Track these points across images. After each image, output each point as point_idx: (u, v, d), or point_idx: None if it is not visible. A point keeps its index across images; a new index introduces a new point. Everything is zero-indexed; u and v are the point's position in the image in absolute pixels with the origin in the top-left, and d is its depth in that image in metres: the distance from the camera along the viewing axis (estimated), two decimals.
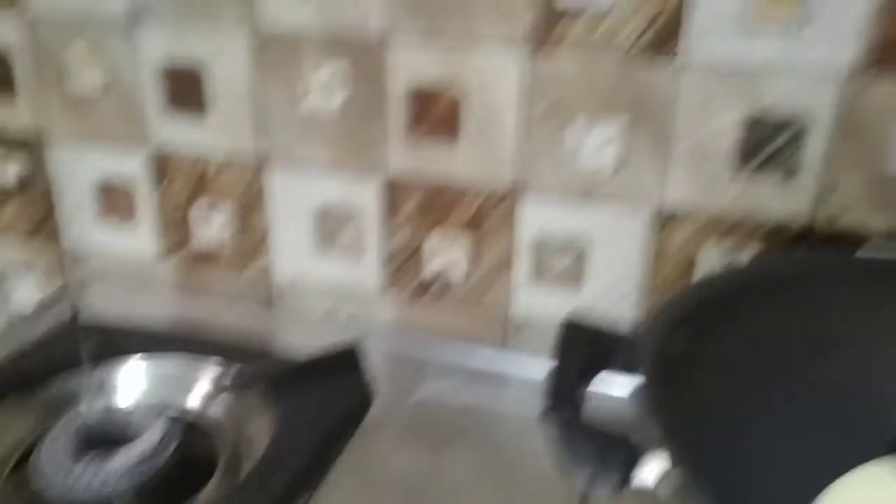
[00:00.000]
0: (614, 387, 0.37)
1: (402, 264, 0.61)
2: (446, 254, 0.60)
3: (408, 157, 0.58)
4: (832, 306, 0.44)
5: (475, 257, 0.60)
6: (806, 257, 0.49)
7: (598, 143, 0.54)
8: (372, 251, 0.62)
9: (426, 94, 0.55)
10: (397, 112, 0.57)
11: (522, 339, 0.60)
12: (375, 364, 0.57)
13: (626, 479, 0.33)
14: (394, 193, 0.59)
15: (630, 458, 0.33)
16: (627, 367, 0.36)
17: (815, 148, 0.50)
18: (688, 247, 0.55)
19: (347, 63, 0.56)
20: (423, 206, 0.59)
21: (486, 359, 0.60)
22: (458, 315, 0.61)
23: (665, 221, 0.55)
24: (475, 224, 0.59)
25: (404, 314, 0.63)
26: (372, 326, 0.63)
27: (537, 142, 0.55)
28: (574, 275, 0.58)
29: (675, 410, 0.34)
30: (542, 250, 0.58)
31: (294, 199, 0.62)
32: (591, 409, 0.36)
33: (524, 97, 0.54)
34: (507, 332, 0.61)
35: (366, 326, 0.63)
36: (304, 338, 0.59)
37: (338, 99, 0.57)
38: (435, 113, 0.56)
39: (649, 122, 0.52)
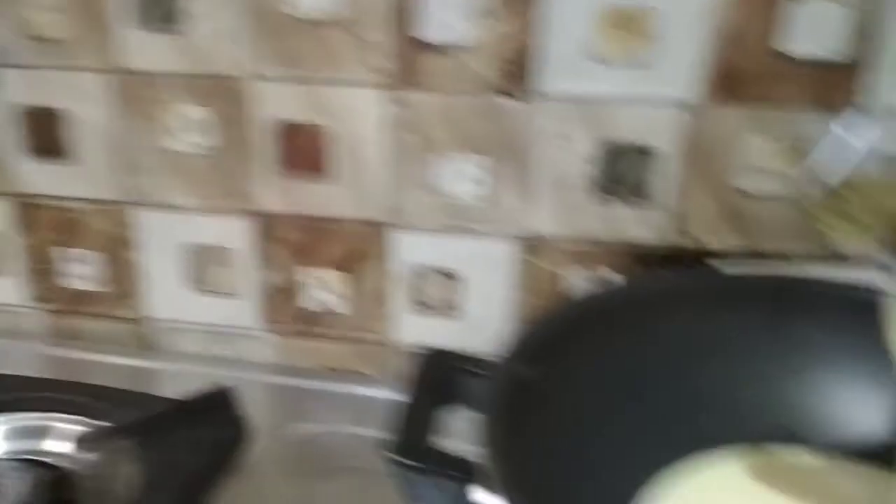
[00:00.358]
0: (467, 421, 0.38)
1: (280, 301, 0.61)
2: (324, 289, 0.60)
3: (278, 194, 0.58)
4: (687, 322, 0.47)
5: (353, 290, 0.60)
6: (659, 277, 0.52)
7: (463, 177, 0.55)
8: (248, 289, 0.61)
9: (292, 132, 0.56)
10: (264, 150, 0.57)
11: (403, 370, 0.61)
12: (255, 402, 0.56)
13: None
14: (267, 230, 0.59)
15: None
16: (478, 400, 0.37)
17: (667, 173, 0.53)
18: (556, 274, 0.56)
19: (211, 103, 0.56)
20: (297, 242, 0.59)
21: (368, 390, 0.60)
22: (339, 348, 0.61)
23: (532, 250, 0.56)
24: (351, 258, 0.59)
25: (284, 350, 0.62)
26: (251, 365, 0.62)
27: (404, 175, 0.55)
28: (450, 304, 0.59)
29: (516, 445, 0.34)
30: (418, 281, 0.59)
31: (165, 241, 0.61)
32: (438, 443, 0.37)
33: (388, 132, 0.55)
34: (387, 363, 0.61)
35: (245, 365, 0.62)
36: (180, 381, 0.58)
37: (203, 140, 0.57)
38: (302, 150, 0.56)
39: (511, 154, 0.54)
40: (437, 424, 0.37)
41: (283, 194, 0.58)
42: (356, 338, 0.61)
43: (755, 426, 0.45)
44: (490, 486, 0.32)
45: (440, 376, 0.38)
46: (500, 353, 0.40)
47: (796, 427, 0.45)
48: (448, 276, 0.58)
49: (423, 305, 0.59)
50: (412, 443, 0.34)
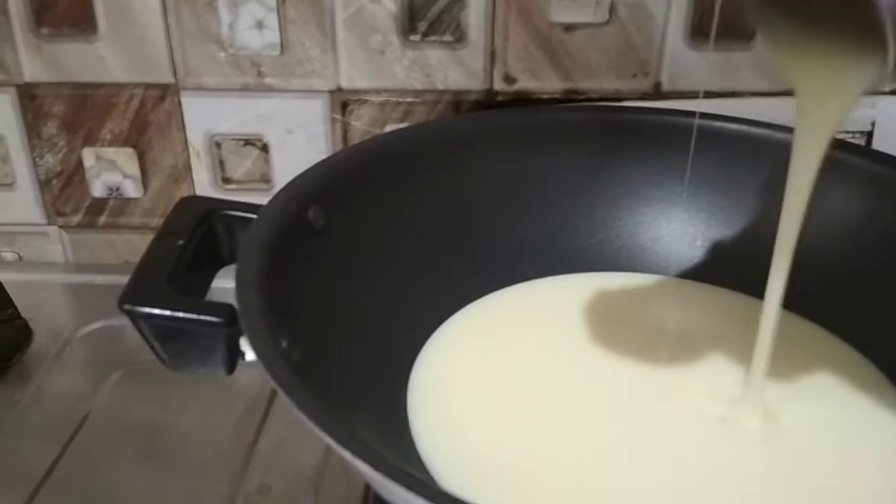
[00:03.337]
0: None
1: (64, 188, 0.53)
2: (113, 168, 0.53)
3: (40, 60, 0.49)
4: (500, 162, 0.42)
5: (147, 168, 0.53)
6: (469, 118, 0.47)
7: (252, 23, 0.48)
8: (24, 179, 0.53)
9: None
10: (18, 7, 0.48)
11: None
12: (44, 304, 0.50)
13: (234, 359, 0.29)
14: (35, 106, 0.51)
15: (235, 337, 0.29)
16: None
17: (479, 8, 0.48)
18: (375, 126, 0.51)
19: None
20: (71, 118, 0.51)
21: None
22: (136, 238, 0.54)
23: (345, 103, 0.50)
24: (138, 131, 0.52)
25: (77, 243, 0.55)
26: (39, 265, 0.55)
27: (186, 27, 0.48)
28: (261, 176, 0.53)
29: (282, 291, 0.29)
30: (220, 152, 0.52)
31: None
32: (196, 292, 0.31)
33: None
34: None
35: (33, 265, 0.55)
36: None
37: None
38: (63, 4, 0.48)
39: None
40: (197, 274, 0.32)
41: (46, 60, 0.49)
42: (154, 225, 0.54)
43: (578, 262, 0.42)
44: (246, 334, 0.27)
45: (195, 221, 0.32)
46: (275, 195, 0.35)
47: (617, 258, 0.42)
48: (253, 143, 0.52)
49: (229, 181, 0.53)
50: (150, 290, 0.28)
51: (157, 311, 0.28)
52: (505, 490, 0.31)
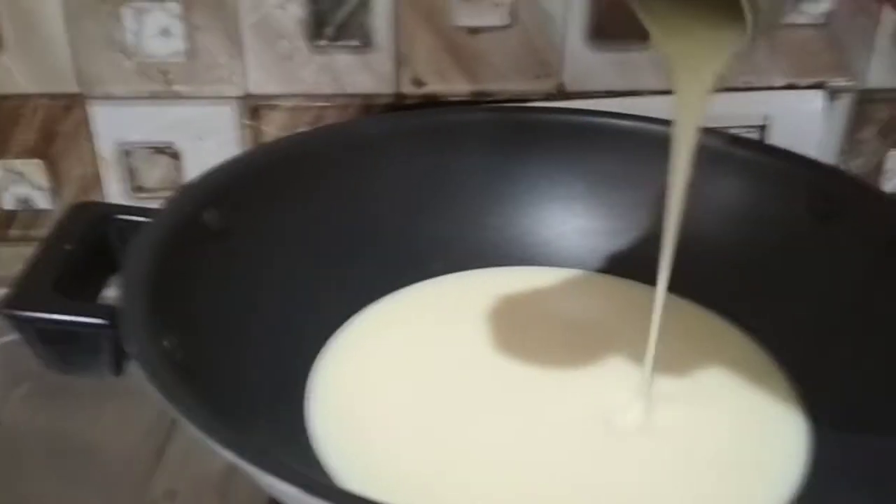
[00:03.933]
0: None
1: None
2: (20, 181, 0.52)
3: None
4: (404, 163, 0.43)
5: (56, 181, 0.52)
6: (376, 119, 0.48)
7: (157, 30, 0.48)
8: None
9: None
10: None
11: None
12: None
13: (120, 361, 0.29)
14: None
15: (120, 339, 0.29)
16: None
17: (384, 13, 0.48)
18: (286, 132, 0.51)
19: None
20: None
21: None
22: None
23: (255, 109, 0.51)
24: (45, 142, 0.51)
25: None
26: None
27: (88, 35, 0.48)
28: (173, 181, 0.52)
29: (169, 295, 0.30)
30: (131, 160, 0.52)
31: None
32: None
33: None
34: None
35: None
36: None
37: None
38: None
39: (208, 1, 0.47)
40: (88, 281, 0.32)
41: None
42: None
43: (484, 258, 0.43)
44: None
45: (86, 226, 0.32)
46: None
47: (523, 254, 0.43)
48: (164, 151, 0.52)
49: (141, 190, 0.53)
50: (33, 294, 0.28)
51: (38, 315, 0.28)
52: (401, 487, 0.31)
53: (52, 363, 0.29)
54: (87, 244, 0.32)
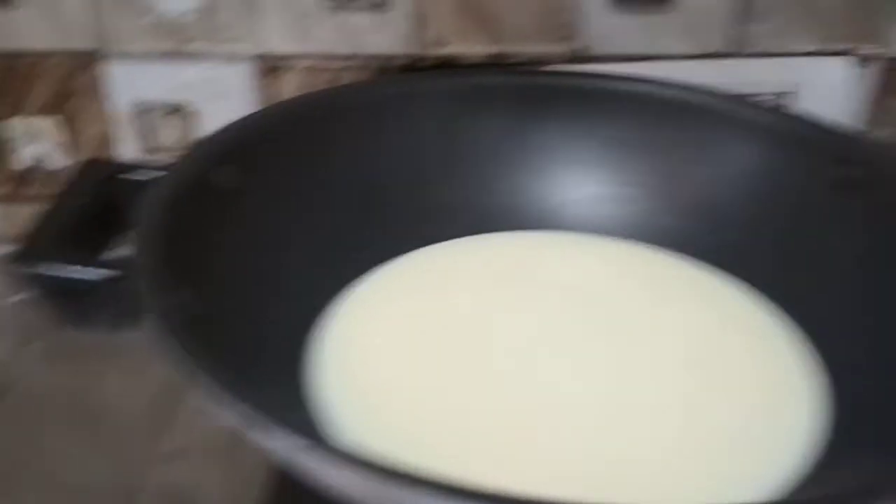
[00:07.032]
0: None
1: None
2: (36, 139, 0.52)
3: None
4: (421, 125, 0.42)
5: (71, 138, 0.52)
6: (392, 80, 0.47)
7: None
8: None
9: None
10: None
11: None
12: None
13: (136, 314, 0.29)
14: None
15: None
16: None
17: None
18: (301, 92, 0.50)
19: None
20: None
21: None
22: None
23: (269, 70, 0.50)
24: (61, 100, 0.51)
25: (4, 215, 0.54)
26: None
27: None
28: (189, 143, 0.52)
29: (184, 251, 0.29)
30: (146, 119, 0.52)
31: None
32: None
33: None
34: None
35: None
36: None
37: None
38: None
39: None
40: (100, 237, 0.32)
41: None
42: None
43: (496, 222, 0.42)
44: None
45: (97, 183, 0.32)
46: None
47: (537, 219, 0.42)
48: (179, 110, 0.51)
49: (157, 150, 0.52)
50: (43, 250, 0.28)
51: (48, 270, 0.27)
52: (406, 449, 0.31)
53: (63, 319, 0.29)
54: (98, 201, 0.32)
